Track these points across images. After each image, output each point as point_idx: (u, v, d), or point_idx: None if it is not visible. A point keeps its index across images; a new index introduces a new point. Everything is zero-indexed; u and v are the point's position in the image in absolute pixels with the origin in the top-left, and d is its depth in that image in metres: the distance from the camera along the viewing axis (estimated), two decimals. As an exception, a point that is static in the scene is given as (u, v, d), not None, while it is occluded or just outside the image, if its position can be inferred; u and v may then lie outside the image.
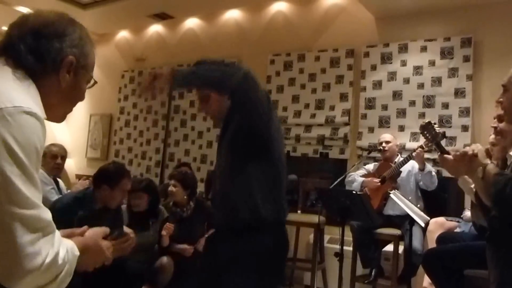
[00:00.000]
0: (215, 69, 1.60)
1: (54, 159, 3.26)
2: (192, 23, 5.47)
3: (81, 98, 0.99)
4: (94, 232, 1.02)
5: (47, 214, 0.79)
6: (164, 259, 2.91)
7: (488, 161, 1.53)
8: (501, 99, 1.60)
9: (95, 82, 1.02)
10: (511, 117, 1.60)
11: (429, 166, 3.26)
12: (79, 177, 5.17)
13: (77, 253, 0.86)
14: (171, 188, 3.14)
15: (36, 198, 0.76)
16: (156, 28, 5.81)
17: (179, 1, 4.95)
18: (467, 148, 1.56)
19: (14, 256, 0.73)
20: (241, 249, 1.53)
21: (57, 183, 3.32)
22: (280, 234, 1.60)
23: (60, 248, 0.80)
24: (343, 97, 4.23)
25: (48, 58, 0.89)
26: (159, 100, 5.54)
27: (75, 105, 1.00)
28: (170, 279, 2.91)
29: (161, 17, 5.46)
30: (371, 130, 4.04)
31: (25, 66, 0.87)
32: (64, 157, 3.42)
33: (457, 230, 2.99)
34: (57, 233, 0.82)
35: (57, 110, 0.95)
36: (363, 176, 3.53)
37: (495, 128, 2.17)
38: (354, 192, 2.90)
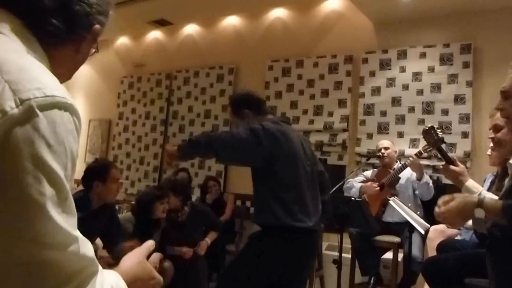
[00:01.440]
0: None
1: None
2: (191, 29, 5.48)
3: (82, 64, 0.84)
4: (139, 254, 0.80)
5: (88, 249, 0.59)
6: (165, 262, 2.91)
7: (473, 193, 1.45)
8: (500, 106, 1.53)
9: (96, 51, 0.86)
10: None
11: (426, 177, 3.21)
12: (78, 182, 5.14)
13: None
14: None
15: (72, 228, 0.56)
16: (155, 34, 5.82)
17: (178, 7, 4.96)
18: (442, 208, 1.43)
19: None
20: (249, 242, 2.11)
21: None
22: (282, 235, 1.95)
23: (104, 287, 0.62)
24: (342, 103, 4.21)
25: (79, 24, 0.72)
26: (158, 106, 5.54)
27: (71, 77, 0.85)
28: (170, 282, 2.92)
29: (160, 23, 5.47)
30: (369, 136, 4.02)
31: (46, 32, 0.68)
32: None
33: (458, 237, 2.95)
34: (101, 271, 0.62)
35: (59, 79, 0.76)
36: (361, 182, 3.50)
37: (493, 138, 2.14)
38: (353, 198, 2.87)
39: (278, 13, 4.79)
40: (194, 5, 4.82)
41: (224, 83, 5.01)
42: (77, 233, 0.57)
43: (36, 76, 0.58)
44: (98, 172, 2.47)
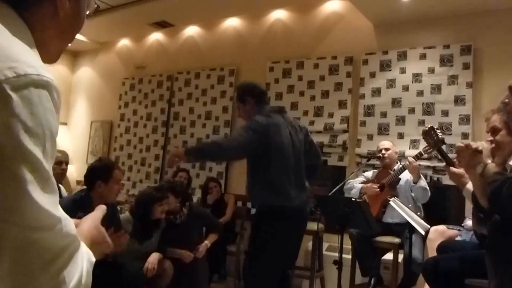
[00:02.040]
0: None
1: (59, 165, 3.26)
2: (192, 31, 5.50)
3: (80, 28, 0.75)
4: (94, 219, 0.82)
5: (70, 226, 0.59)
6: (165, 263, 2.92)
7: (489, 160, 1.50)
8: (507, 100, 1.54)
9: (97, 7, 0.78)
10: None
11: (422, 181, 3.21)
12: (80, 183, 5.16)
13: (93, 259, 0.69)
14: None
15: (54, 208, 0.57)
16: (156, 36, 5.84)
17: (179, 9, 4.98)
18: (473, 143, 1.53)
19: None
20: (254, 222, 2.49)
21: (58, 189, 3.31)
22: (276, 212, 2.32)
23: (84, 261, 0.63)
24: (342, 104, 4.22)
25: None
26: (159, 107, 5.56)
27: (73, 39, 0.76)
28: (170, 283, 2.92)
29: (161, 25, 5.49)
30: (370, 137, 4.02)
31: None
32: (67, 163, 3.46)
33: (458, 238, 2.96)
34: (82, 245, 0.64)
35: (49, 48, 0.71)
36: (362, 183, 3.51)
37: (491, 141, 2.14)
38: (353, 199, 2.88)
39: (279, 15, 4.80)
40: (195, 7, 4.84)
41: (225, 84, 5.02)
42: (60, 213, 0.58)
43: (8, 53, 0.55)
44: (101, 172, 2.49)
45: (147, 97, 5.74)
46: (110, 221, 2.56)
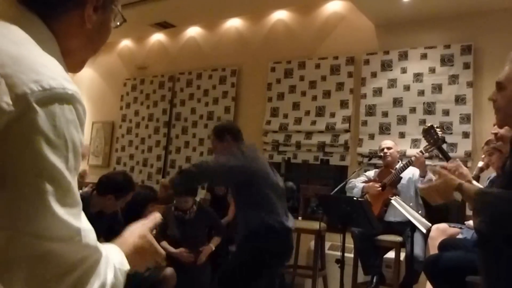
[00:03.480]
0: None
1: None
2: (193, 31, 5.52)
3: (106, 39, 0.76)
4: (141, 227, 0.82)
5: (91, 237, 0.59)
6: (168, 270, 2.91)
7: (460, 180, 1.46)
8: (493, 97, 1.51)
9: (124, 20, 0.78)
10: (504, 117, 1.50)
11: (430, 174, 3.24)
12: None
13: (127, 267, 0.68)
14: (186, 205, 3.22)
15: (74, 219, 0.57)
16: (158, 37, 5.86)
17: (181, 10, 5.00)
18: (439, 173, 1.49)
19: None
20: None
21: None
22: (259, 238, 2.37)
23: (108, 271, 0.62)
24: (344, 104, 4.24)
25: None
26: (161, 108, 5.58)
27: (98, 50, 0.78)
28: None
29: (163, 26, 5.51)
30: (371, 137, 4.04)
31: (37, 2, 0.64)
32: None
33: (459, 236, 2.97)
34: (104, 256, 0.63)
35: (75, 58, 0.72)
36: (363, 182, 3.53)
37: (496, 134, 2.17)
38: (355, 198, 2.89)
39: (280, 15, 4.82)
40: (197, 8, 4.87)
41: (227, 85, 5.05)
42: (80, 224, 0.58)
43: (32, 65, 0.56)
44: (118, 188, 2.44)
45: (149, 97, 5.76)
46: (112, 223, 2.55)
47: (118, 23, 0.78)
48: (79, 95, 0.59)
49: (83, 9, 0.68)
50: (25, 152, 0.53)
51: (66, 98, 0.57)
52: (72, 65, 0.72)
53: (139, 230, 0.80)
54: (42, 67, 0.57)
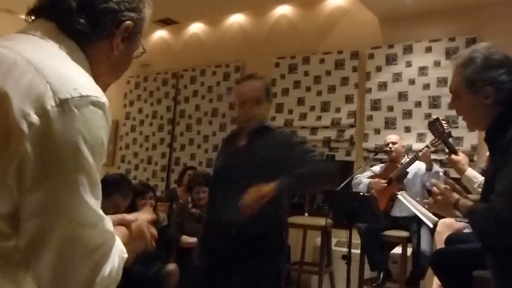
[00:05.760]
0: None
1: None
2: (196, 28, 5.50)
3: (127, 67, 0.89)
4: (139, 218, 0.92)
5: (109, 225, 0.69)
6: (170, 266, 2.92)
7: (473, 183, 1.46)
8: (453, 107, 1.51)
9: (144, 51, 0.92)
10: (470, 123, 1.51)
11: (436, 167, 3.23)
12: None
13: (125, 255, 0.76)
14: (203, 195, 3.18)
15: (99, 209, 0.67)
16: (160, 34, 5.85)
17: (184, 6, 4.98)
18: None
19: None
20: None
21: None
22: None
23: (115, 256, 0.70)
24: (349, 99, 4.22)
25: (105, 21, 0.77)
26: (165, 105, 5.58)
27: (120, 77, 0.90)
28: (175, 286, 2.91)
29: (165, 22, 5.50)
30: (377, 131, 4.02)
31: (75, 30, 0.74)
32: None
33: (466, 231, 2.95)
34: (117, 240, 0.72)
35: (101, 81, 0.80)
36: (369, 178, 3.51)
37: None
38: (361, 193, 2.88)
39: (283, 10, 4.79)
40: (199, 4, 4.85)
41: (231, 81, 5.03)
42: (102, 213, 0.68)
43: (72, 78, 0.67)
44: (132, 193, 2.45)
45: (153, 95, 5.76)
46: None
47: (139, 54, 0.91)
48: (108, 105, 0.69)
49: (112, 39, 0.79)
50: (68, 149, 0.62)
51: (98, 105, 0.67)
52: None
53: (129, 217, 0.90)
54: (80, 79, 0.68)
